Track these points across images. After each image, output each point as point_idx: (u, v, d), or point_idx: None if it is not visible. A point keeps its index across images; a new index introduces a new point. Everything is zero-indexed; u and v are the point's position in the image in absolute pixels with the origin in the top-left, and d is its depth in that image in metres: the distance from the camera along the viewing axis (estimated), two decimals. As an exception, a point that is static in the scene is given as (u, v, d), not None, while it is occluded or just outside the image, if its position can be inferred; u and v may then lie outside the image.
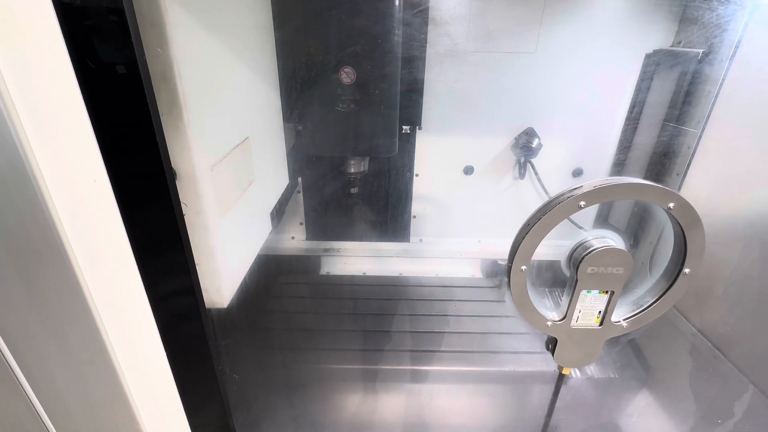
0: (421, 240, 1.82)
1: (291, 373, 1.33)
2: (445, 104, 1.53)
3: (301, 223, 1.81)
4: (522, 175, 1.68)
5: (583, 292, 0.57)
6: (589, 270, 0.55)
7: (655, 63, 1.47)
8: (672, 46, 1.44)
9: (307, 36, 1.04)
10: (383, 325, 1.60)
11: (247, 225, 0.83)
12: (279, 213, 1.08)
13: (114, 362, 0.57)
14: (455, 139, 1.63)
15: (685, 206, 0.50)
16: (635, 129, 1.59)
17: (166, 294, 0.57)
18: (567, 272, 0.60)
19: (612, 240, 0.56)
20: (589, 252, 0.54)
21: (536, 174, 1.68)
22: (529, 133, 1.61)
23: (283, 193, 1.10)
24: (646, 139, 1.56)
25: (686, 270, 0.55)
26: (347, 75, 1.11)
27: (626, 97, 1.46)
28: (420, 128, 1.61)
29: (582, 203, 0.50)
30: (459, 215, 1.81)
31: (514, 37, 1.41)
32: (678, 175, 1.43)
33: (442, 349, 1.51)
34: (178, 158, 0.58)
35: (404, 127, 1.50)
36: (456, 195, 1.75)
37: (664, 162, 1.50)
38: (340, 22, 1.03)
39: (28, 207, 0.47)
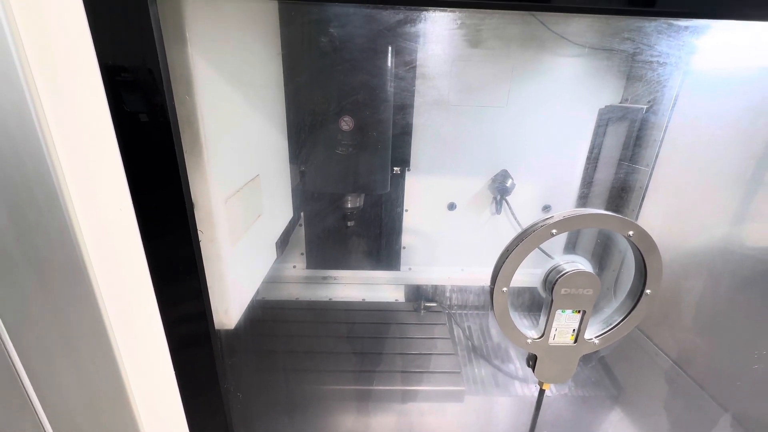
0: (410, 269, 1.81)
1: (291, 391, 1.27)
2: (431, 148, 1.58)
3: (302, 254, 1.79)
4: (498, 211, 1.71)
5: (558, 311, 0.57)
6: (562, 291, 0.55)
7: (607, 116, 1.54)
8: (621, 103, 1.52)
9: (311, 89, 1.09)
10: (378, 348, 1.55)
11: (255, 253, 0.83)
12: (283, 243, 1.07)
13: (123, 376, 0.55)
14: (440, 178, 1.67)
15: (643, 234, 0.52)
16: (595, 169, 1.65)
17: (178, 314, 0.55)
18: (543, 294, 0.60)
19: (581, 264, 0.57)
20: (562, 275, 0.54)
21: (511, 210, 1.72)
22: (504, 175, 1.66)
23: (287, 226, 1.10)
24: (604, 177, 1.61)
25: (647, 291, 0.55)
26: (346, 123, 1.15)
27: (585, 143, 1.53)
28: (409, 169, 1.64)
29: (554, 231, 0.51)
30: (444, 246, 1.82)
31: (489, 92, 1.49)
32: (633, 210, 1.47)
33: (430, 369, 1.47)
34: (197, 191, 0.58)
35: (395, 168, 1.53)
36: (441, 228, 1.77)
37: (622, 196, 1.55)
38: (341, 77, 1.08)
39: (57, 229, 0.46)
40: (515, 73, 1.45)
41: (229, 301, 0.66)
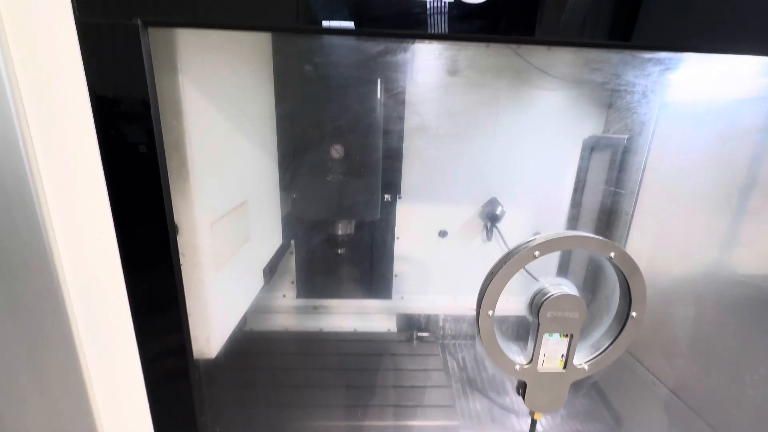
0: (402, 297, 1.79)
1: (276, 427, 1.21)
2: (422, 176, 1.61)
3: (292, 282, 1.76)
4: (489, 238, 1.72)
5: (546, 335, 0.56)
6: (549, 314, 0.55)
7: (591, 146, 1.59)
8: (603, 133, 1.58)
9: (302, 117, 1.12)
10: (370, 381, 1.50)
11: (240, 279, 0.81)
12: (271, 270, 1.06)
13: (92, 404, 0.52)
14: (431, 206, 1.68)
15: (624, 255, 0.52)
16: (582, 197, 1.68)
17: (156, 341, 0.53)
18: (530, 318, 0.59)
19: (566, 287, 0.57)
20: (548, 297, 0.54)
21: (501, 237, 1.72)
22: (493, 202, 1.68)
23: (276, 253, 1.10)
24: (592, 204, 1.64)
25: (633, 314, 0.55)
26: (336, 151, 1.17)
27: (572, 171, 1.57)
28: (400, 197, 1.66)
29: (536, 253, 0.51)
30: (436, 274, 1.81)
31: (477, 122, 1.54)
32: (621, 236, 1.49)
33: (423, 403, 1.41)
34: (181, 215, 0.58)
35: (386, 195, 1.55)
36: (433, 256, 1.77)
37: (610, 222, 1.57)
38: (331, 106, 1.12)
39: (34, 250, 0.46)
40: (503, 104, 1.51)
41: (211, 329, 0.64)
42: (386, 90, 1.24)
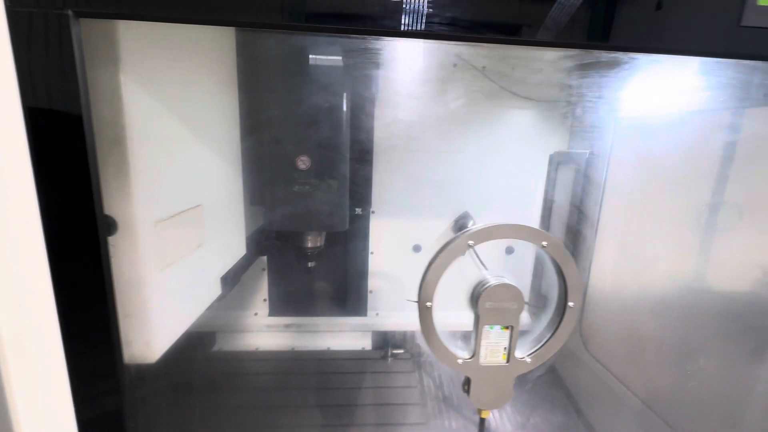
0: (377, 314, 1.76)
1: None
2: (394, 191, 1.62)
3: (264, 300, 1.73)
4: (462, 252, 1.71)
5: (486, 327, 0.56)
6: (487, 305, 0.55)
7: (557, 161, 1.64)
8: (569, 149, 1.64)
9: (268, 128, 1.13)
10: (343, 399, 1.45)
11: (192, 284, 0.80)
12: (233, 280, 1.04)
13: (11, 409, 0.49)
14: (404, 221, 1.69)
15: (557, 245, 0.53)
16: (550, 209, 1.72)
17: (83, 340, 0.51)
18: (472, 311, 0.59)
19: (507, 279, 0.57)
20: (486, 287, 0.54)
21: (474, 250, 1.73)
22: (465, 216, 1.70)
23: (239, 263, 1.08)
24: (560, 217, 1.67)
25: (570, 303, 0.55)
26: (303, 162, 1.18)
27: (541, 185, 1.62)
28: (373, 211, 1.66)
29: (470, 242, 0.52)
30: (411, 289, 1.78)
31: (449, 138, 1.59)
32: (589, 247, 1.52)
33: (395, 421, 1.37)
34: (120, 211, 0.57)
35: (357, 208, 1.55)
36: (407, 271, 1.76)
37: (578, 233, 1.60)
38: (298, 117, 1.14)
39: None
40: (472, 121, 1.56)
41: (153, 332, 0.62)
42: (355, 102, 1.28)
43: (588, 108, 1.53)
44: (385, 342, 1.80)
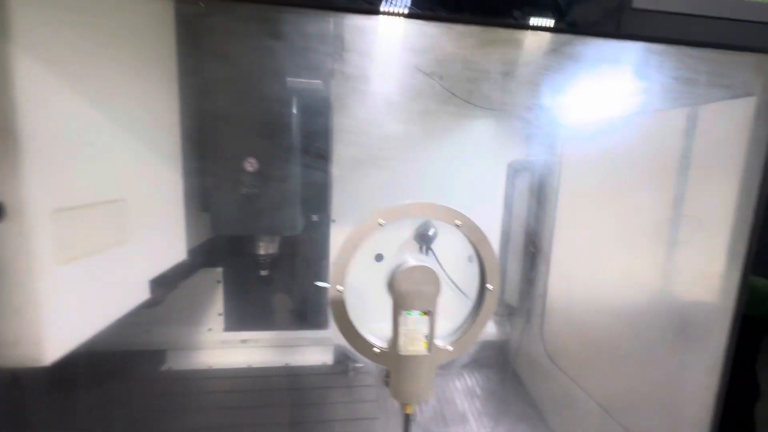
0: (339, 326, 1.69)
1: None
2: (355, 199, 1.60)
3: (219, 314, 1.64)
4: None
5: (404, 313, 0.53)
6: (403, 288, 0.52)
7: (515, 169, 1.67)
8: (526, 157, 1.67)
9: (213, 127, 1.10)
10: (301, 417, 1.37)
11: (108, 284, 0.74)
12: (167, 286, 0.97)
13: None
14: (365, 229, 1.65)
15: (471, 224, 0.52)
16: (510, 215, 1.73)
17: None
18: (390, 296, 0.56)
19: (426, 263, 0.55)
20: (399, 269, 0.52)
21: (436, 259, 1.71)
22: (426, 224, 1.68)
23: (175, 268, 1.02)
24: (519, 222, 1.68)
25: (489, 286, 0.53)
26: (251, 164, 1.15)
27: (501, 192, 1.64)
28: (334, 221, 1.63)
29: (381, 221, 0.50)
30: (373, 300, 1.73)
31: (410, 147, 1.59)
32: (548, 252, 1.52)
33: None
34: (8, 195, 0.53)
35: (313, 215, 1.52)
36: (370, 281, 1.71)
37: (534, 241, 1.60)
38: (244, 120, 1.11)
39: None
40: (435, 131, 1.58)
41: (43, 331, 0.56)
42: (309, 107, 1.26)
43: (539, 114, 1.57)
44: (348, 356, 1.72)
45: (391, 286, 0.52)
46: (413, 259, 0.55)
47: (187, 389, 1.55)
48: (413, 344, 0.54)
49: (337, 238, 1.64)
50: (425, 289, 0.52)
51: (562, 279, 1.48)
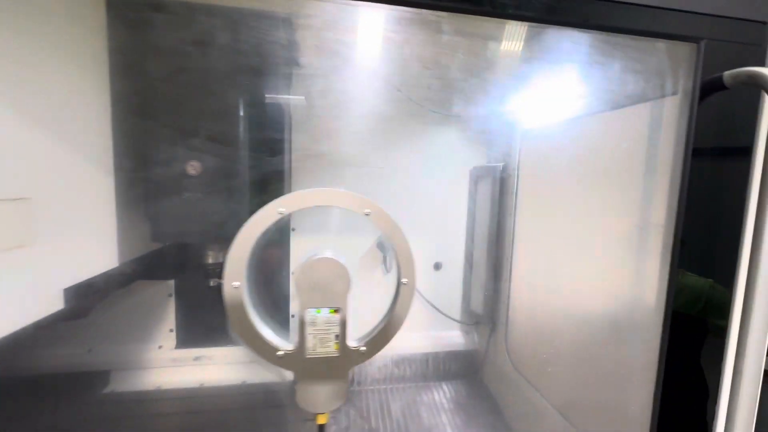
0: (300, 340, 1.61)
1: None
2: (317, 209, 1.55)
3: (171, 330, 1.54)
4: (388, 270, 1.66)
5: (311, 311, 0.48)
6: (307, 283, 0.48)
7: (476, 175, 1.67)
8: (487, 163, 1.67)
9: (149, 128, 1.05)
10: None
11: (6, 288, 0.66)
12: (90, 297, 0.89)
13: None
14: (327, 239, 1.61)
15: (381, 213, 0.48)
16: (474, 222, 1.71)
17: None
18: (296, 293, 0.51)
19: (337, 257, 0.51)
20: (303, 261, 0.47)
21: (399, 267, 1.67)
22: (389, 232, 1.65)
23: (105, 279, 0.94)
24: (482, 229, 1.66)
25: (404, 280, 0.50)
26: (193, 167, 1.10)
27: (464, 198, 1.63)
28: (294, 230, 1.58)
29: (282, 210, 0.46)
30: (336, 311, 1.67)
31: (373, 154, 1.58)
32: (508, 258, 1.51)
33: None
34: None
35: (268, 223, 1.45)
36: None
37: (499, 245, 1.59)
38: (186, 119, 1.06)
39: None
40: (396, 139, 1.57)
41: None
42: (263, 105, 1.23)
43: (492, 118, 1.59)
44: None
45: (295, 280, 0.48)
46: (330, 252, 0.50)
47: (133, 412, 1.44)
48: (323, 345, 0.49)
49: (298, 247, 1.59)
50: (333, 283, 0.48)
51: (523, 286, 1.46)
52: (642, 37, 0.54)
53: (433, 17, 0.62)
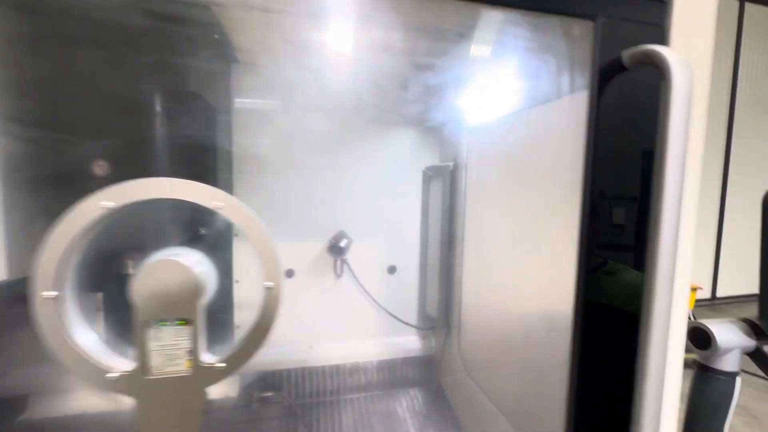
0: (246, 352, 1.50)
1: None
2: (261, 212, 1.46)
3: (100, 347, 1.39)
4: (339, 274, 1.59)
5: (155, 324, 0.41)
6: (147, 291, 0.40)
7: (428, 175, 1.62)
8: (440, 162, 1.63)
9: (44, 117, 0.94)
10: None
11: None
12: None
13: None
14: (276, 245, 1.51)
15: (236, 205, 0.41)
16: (427, 223, 1.66)
17: None
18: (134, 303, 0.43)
19: (178, 257, 0.43)
20: (142, 266, 0.39)
21: (351, 271, 1.61)
22: (339, 235, 1.59)
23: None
24: (437, 231, 1.61)
25: (267, 283, 0.42)
26: (100, 167, 1.00)
27: (418, 199, 1.58)
28: (236, 235, 1.48)
29: (106, 203, 0.38)
30: (285, 321, 1.57)
31: (321, 155, 1.51)
32: (459, 259, 1.46)
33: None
34: None
35: (201, 228, 1.35)
36: (280, 299, 1.55)
37: (451, 245, 1.54)
38: (89, 117, 0.97)
39: None
40: (349, 136, 1.51)
41: None
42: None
43: (444, 118, 1.55)
44: (257, 385, 1.54)
45: (134, 290, 0.40)
46: (172, 252, 0.42)
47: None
48: (171, 363, 0.41)
49: (241, 253, 1.49)
50: (179, 291, 0.40)
51: (472, 288, 1.41)
52: (539, 13, 0.50)
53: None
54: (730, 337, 0.65)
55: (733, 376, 0.64)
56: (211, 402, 1.36)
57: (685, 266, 0.58)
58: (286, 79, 1.41)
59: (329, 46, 1.17)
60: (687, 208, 0.55)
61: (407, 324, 1.67)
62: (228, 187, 1.41)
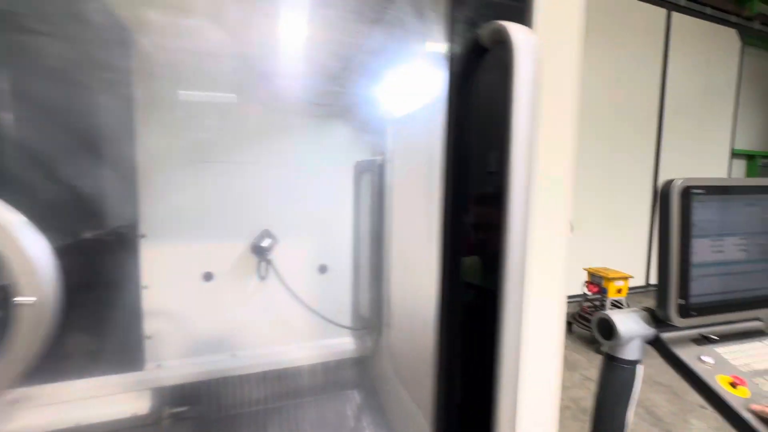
0: (159, 365, 1.37)
1: None
2: (175, 211, 1.34)
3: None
4: (262, 276, 1.49)
5: None
6: None
7: (359, 170, 1.56)
8: (370, 157, 1.57)
9: None
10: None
11: None
12: None
13: None
14: (189, 245, 1.39)
15: None
16: (359, 219, 1.61)
17: None
18: None
19: None
20: None
21: (276, 272, 1.52)
22: (263, 234, 1.49)
23: None
24: (368, 227, 1.55)
25: (19, 299, 0.33)
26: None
27: (350, 195, 1.51)
28: (144, 236, 1.34)
29: None
30: (205, 328, 1.46)
31: (244, 149, 1.40)
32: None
33: None
34: None
35: (86, 232, 1.21)
36: (197, 305, 1.43)
37: (380, 242, 1.49)
38: None
39: None
40: (273, 131, 1.41)
41: None
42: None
43: (369, 110, 1.50)
44: (171, 400, 1.41)
45: None
46: None
47: None
48: None
49: (151, 256, 1.36)
50: None
51: (397, 286, 1.37)
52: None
53: None
54: (631, 326, 0.66)
55: (634, 364, 0.65)
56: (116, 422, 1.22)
57: (554, 265, 0.55)
58: (191, 65, 1.29)
59: (244, 31, 1.08)
60: (544, 201, 0.52)
61: (337, 324, 1.61)
62: (131, 184, 1.28)
